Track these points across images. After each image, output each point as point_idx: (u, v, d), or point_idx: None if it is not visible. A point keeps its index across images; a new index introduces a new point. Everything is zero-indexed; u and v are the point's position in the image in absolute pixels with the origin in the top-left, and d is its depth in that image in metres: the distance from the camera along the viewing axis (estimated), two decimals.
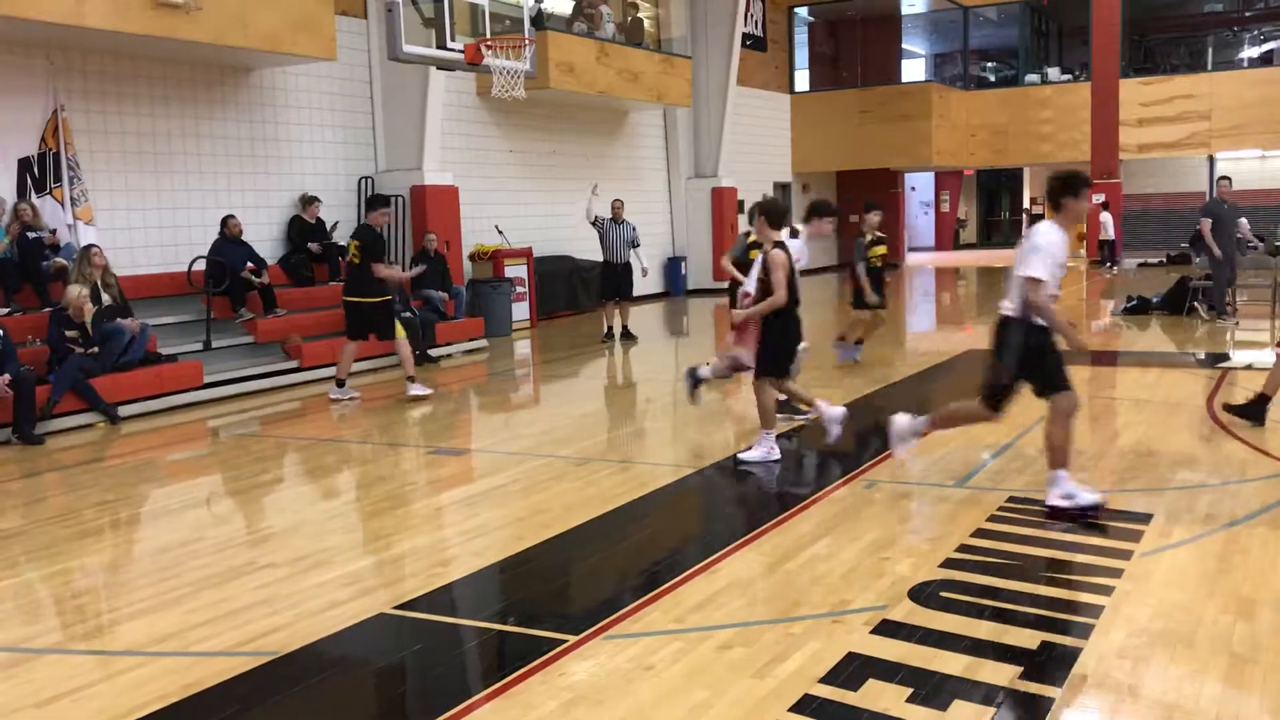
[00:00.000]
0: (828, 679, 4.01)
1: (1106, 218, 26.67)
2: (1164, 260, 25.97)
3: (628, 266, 14.95)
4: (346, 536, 6.28)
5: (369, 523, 6.60)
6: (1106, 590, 4.84)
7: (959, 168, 33.57)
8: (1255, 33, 30.71)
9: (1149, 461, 7.27)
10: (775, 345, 7.64)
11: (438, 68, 12.84)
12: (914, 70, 32.19)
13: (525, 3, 13.02)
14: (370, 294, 10.56)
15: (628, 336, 15.12)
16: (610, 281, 15.08)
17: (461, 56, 11.45)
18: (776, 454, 7.65)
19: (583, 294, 18.97)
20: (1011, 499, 6.37)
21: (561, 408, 11.36)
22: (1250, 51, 30.32)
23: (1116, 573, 5.06)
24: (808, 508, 6.45)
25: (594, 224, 14.87)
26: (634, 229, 15.12)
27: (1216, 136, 26.08)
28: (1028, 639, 4.34)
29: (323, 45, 12.87)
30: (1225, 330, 14.35)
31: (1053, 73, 28.79)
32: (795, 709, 3.79)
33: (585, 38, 17.84)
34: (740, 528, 6.30)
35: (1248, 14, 30.15)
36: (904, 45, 31.19)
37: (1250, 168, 27.88)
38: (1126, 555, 5.30)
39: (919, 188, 37.86)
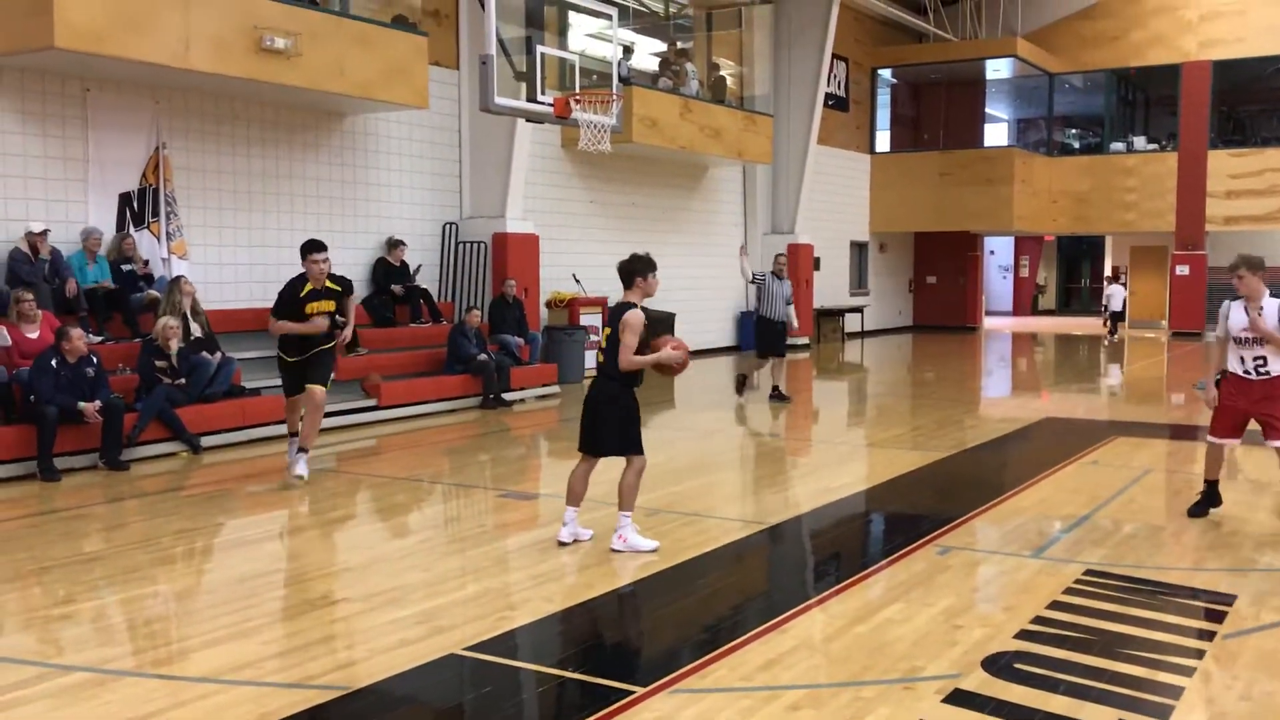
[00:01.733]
0: None
1: (1115, 289, 27.28)
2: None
3: (784, 324, 14.26)
4: (418, 575, 6.34)
5: (440, 563, 6.67)
6: (1188, 671, 4.72)
7: (1040, 233, 33.23)
8: None
9: (1233, 541, 7.09)
10: (626, 419, 6.80)
11: (527, 120, 13.08)
12: (996, 135, 32.04)
13: (614, 59, 13.25)
14: (281, 350, 9.14)
15: (781, 398, 14.31)
16: (769, 338, 14.29)
17: (551, 110, 11.68)
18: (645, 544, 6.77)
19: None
20: (1089, 572, 6.25)
21: None
22: None
23: (1198, 653, 4.93)
24: (879, 571, 6.38)
25: (753, 282, 14.28)
26: (790, 285, 14.51)
27: None
28: (1104, 716, 4.24)
29: (415, 94, 13.21)
30: None
31: (1138, 141, 28.47)
32: None
33: (669, 93, 18.07)
34: (810, 588, 6.26)
35: None
36: (987, 109, 31.08)
37: None
38: (1209, 636, 5.17)
39: (998, 252, 37.53)
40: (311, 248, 8.93)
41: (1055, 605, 5.64)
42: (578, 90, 11.98)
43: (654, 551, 6.67)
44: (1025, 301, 38.62)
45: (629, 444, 6.80)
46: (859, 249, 27.58)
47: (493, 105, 10.83)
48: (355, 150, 14.39)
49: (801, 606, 5.70)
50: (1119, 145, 28.44)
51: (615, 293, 19.69)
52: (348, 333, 9.36)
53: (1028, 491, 8.62)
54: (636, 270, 6.85)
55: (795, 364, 20.68)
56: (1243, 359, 7.32)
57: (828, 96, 24.29)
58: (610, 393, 6.79)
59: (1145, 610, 5.57)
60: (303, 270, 8.95)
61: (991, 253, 36.30)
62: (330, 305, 9.01)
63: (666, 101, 17.88)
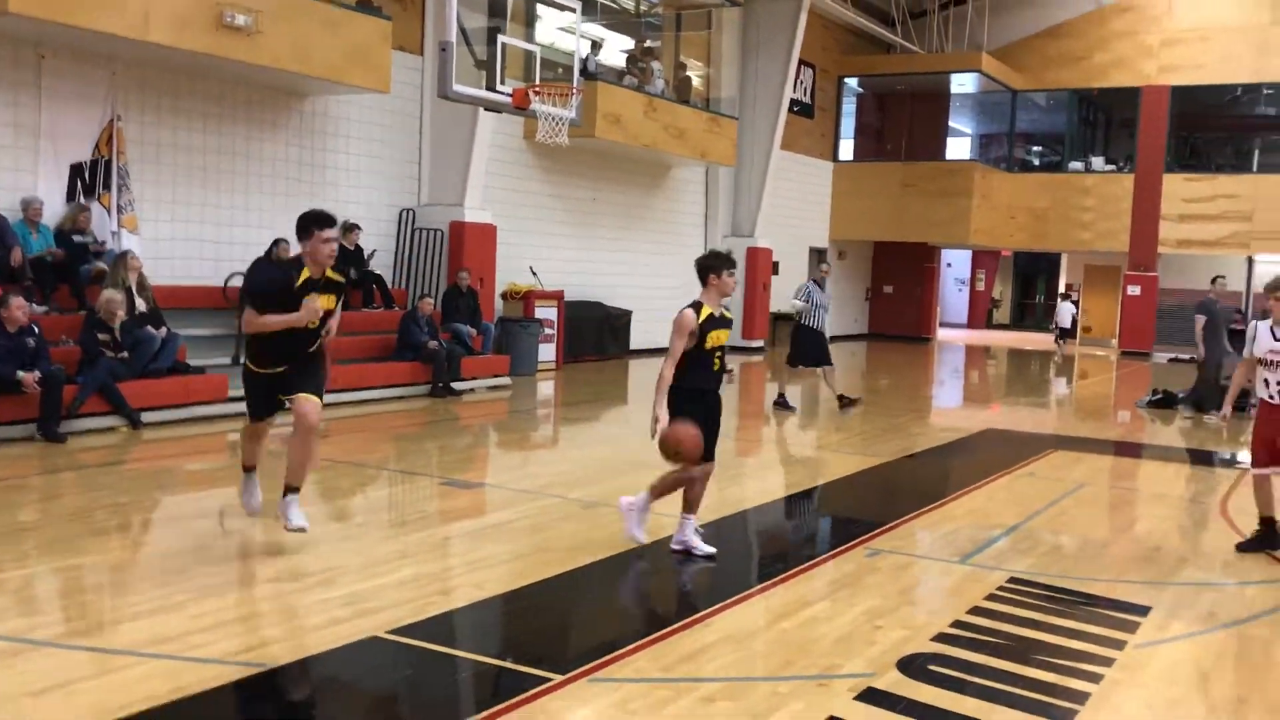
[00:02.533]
0: None
1: (1064, 306, 28.11)
2: (1195, 357, 25.80)
3: (823, 332, 13.79)
4: (352, 558, 6.34)
5: (376, 547, 6.66)
6: (1096, 678, 4.83)
7: (997, 248, 33.60)
8: None
9: (1156, 555, 7.25)
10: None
11: (485, 109, 13.08)
12: (959, 148, 32.38)
13: (577, 53, 13.27)
14: (251, 359, 6.52)
15: (850, 403, 13.73)
16: (816, 347, 13.68)
17: (509, 100, 11.69)
18: (640, 537, 6.70)
19: (610, 341, 19.11)
20: (1013, 579, 6.37)
21: (578, 450, 11.43)
22: None
23: (1108, 661, 5.05)
24: (809, 570, 6.47)
25: (802, 298, 13.62)
26: (828, 294, 13.98)
27: (1257, 238, 26.00)
28: (1011, 719, 4.34)
29: (377, 78, 13.17)
30: (1220, 430, 14.21)
31: (1097, 162, 28.89)
32: None
33: (635, 91, 18.11)
34: (739, 584, 6.33)
35: None
36: (950, 123, 31.39)
37: None
38: (1120, 645, 5.29)
39: (955, 264, 37.91)
40: (320, 221, 6.33)
41: (976, 611, 5.75)
42: (538, 82, 12.00)
43: (709, 558, 6.45)
44: (980, 315, 39.05)
45: None
46: (818, 255, 27.74)
47: (450, 92, 10.83)
48: (314, 132, 14.32)
49: (730, 601, 5.76)
50: (1078, 164, 28.84)
51: (573, 286, 19.74)
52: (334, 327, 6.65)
53: (962, 499, 8.75)
54: (711, 266, 6.44)
55: (751, 366, 20.82)
56: (1266, 381, 7.11)
57: (793, 102, 24.44)
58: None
59: (1063, 619, 5.69)
60: (291, 255, 6.30)
61: (949, 265, 36.66)
62: (332, 303, 6.53)
63: (631, 98, 17.92)
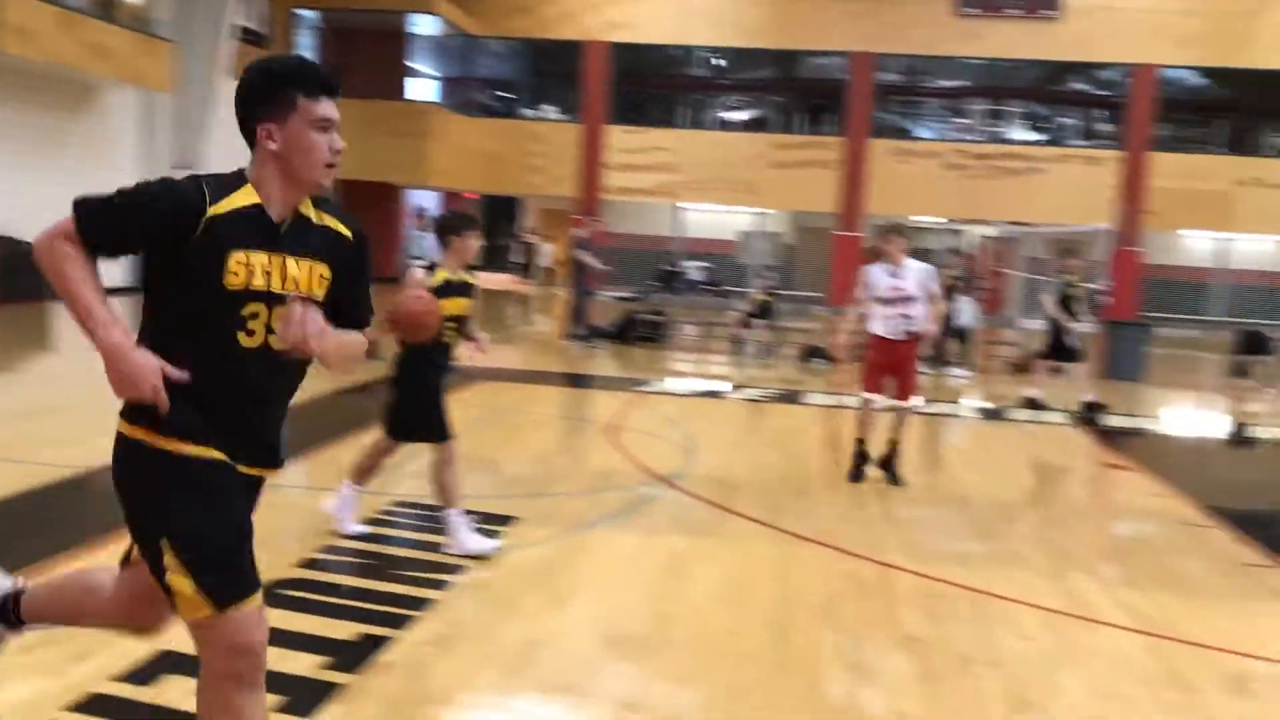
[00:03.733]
0: (127, 679, 3.94)
1: (546, 248, 31.94)
2: (633, 296, 28.33)
3: None
4: None
5: None
6: (442, 585, 5.16)
7: (458, 190, 34.49)
8: (726, 99, 34.44)
9: (541, 472, 7.88)
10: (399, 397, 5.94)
11: None
12: (425, 90, 32.66)
13: None
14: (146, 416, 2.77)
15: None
16: None
17: None
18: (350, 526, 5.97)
19: (22, 279, 17.14)
20: (397, 503, 6.61)
21: None
22: (721, 115, 33.90)
23: (459, 569, 5.41)
24: None
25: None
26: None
27: (683, 188, 28.95)
28: (347, 631, 4.51)
29: None
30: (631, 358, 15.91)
31: (550, 110, 30.53)
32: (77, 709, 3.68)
33: (47, 3, 16.25)
34: (80, 535, 5.98)
35: (722, 81, 33.78)
36: (415, 64, 31.56)
37: (709, 220, 31.20)
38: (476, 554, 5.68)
39: (430, 207, 38.41)
40: (308, 78, 2.78)
41: (352, 535, 5.89)
42: None
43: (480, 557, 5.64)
44: None
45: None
46: None
47: None
48: None
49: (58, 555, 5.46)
50: (531, 112, 30.29)
51: None
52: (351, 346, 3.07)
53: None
54: (451, 227, 5.90)
55: None
56: (888, 318, 7.69)
57: (245, 30, 23.23)
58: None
59: (432, 535, 5.98)
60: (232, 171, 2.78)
61: (423, 208, 37.07)
62: (322, 284, 2.92)
63: (43, 10, 16.08)
